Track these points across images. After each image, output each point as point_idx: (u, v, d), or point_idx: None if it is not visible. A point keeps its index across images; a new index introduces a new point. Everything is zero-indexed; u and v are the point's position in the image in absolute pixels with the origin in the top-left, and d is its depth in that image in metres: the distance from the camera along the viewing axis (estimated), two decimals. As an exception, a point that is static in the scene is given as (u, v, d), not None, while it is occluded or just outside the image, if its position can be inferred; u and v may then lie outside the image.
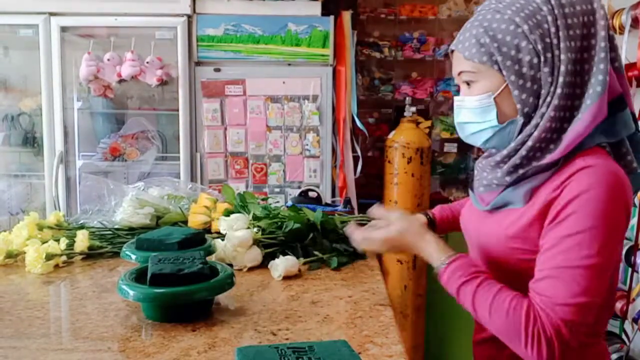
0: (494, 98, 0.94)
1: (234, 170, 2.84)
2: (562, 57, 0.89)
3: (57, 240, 1.35)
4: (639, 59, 2.28)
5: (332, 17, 2.77)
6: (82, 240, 1.37)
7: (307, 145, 2.81)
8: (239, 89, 2.80)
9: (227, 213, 1.49)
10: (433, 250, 0.98)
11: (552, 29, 0.90)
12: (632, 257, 2.29)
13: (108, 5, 2.74)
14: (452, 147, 3.38)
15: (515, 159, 0.93)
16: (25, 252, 1.30)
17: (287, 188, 2.85)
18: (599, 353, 1.01)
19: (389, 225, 1.04)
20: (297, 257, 1.29)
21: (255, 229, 1.35)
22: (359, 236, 1.08)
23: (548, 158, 0.91)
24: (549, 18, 0.90)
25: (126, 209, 1.52)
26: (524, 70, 0.91)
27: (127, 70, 2.72)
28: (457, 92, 1.06)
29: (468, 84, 0.97)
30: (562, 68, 0.89)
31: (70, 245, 1.38)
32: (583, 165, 0.87)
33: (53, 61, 2.77)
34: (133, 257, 1.17)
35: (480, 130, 0.98)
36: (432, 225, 1.31)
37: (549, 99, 0.91)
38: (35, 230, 1.43)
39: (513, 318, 0.86)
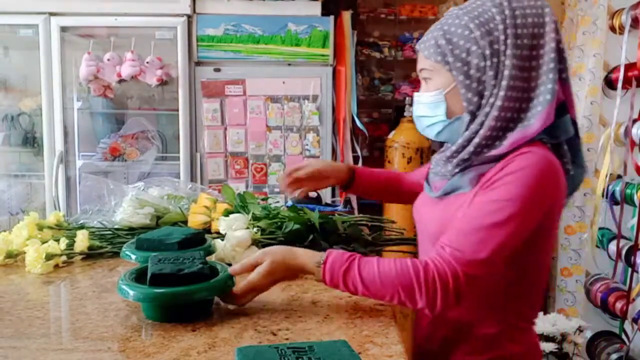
0: (444, 95, 1.03)
1: (234, 170, 2.84)
2: (507, 62, 0.98)
3: (57, 240, 1.35)
4: (639, 59, 2.28)
5: (332, 17, 2.77)
6: (82, 240, 1.37)
7: (307, 145, 2.81)
8: (239, 89, 2.80)
9: (227, 213, 1.49)
10: (306, 258, 1.01)
11: (502, 37, 0.98)
12: (632, 257, 2.29)
13: (108, 5, 2.74)
14: (452, 147, 3.38)
15: (464, 154, 1.01)
16: (25, 252, 1.30)
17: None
18: (529, 342, 1.08)
19: (259, 264, 1.03)
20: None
21: (255, 229, 1.35)
22: (244, 292, 1.02)
23: (494, 152, 0.99)
24: (500, 27, 0.98)
25: (126, 209, 1.52)
26: (472, 72, 1.00)
27: (127, 70, 2.72)
28: None
29: (426, 80, 1.07)
30: (507, 72, 0.98)
31: (70, 245, 1.37)
32: (524, 151, 0.96)
33: (53, 61, 2.78)
34: (133, 257, 1.17)
35: (432, 124, 1.07)
36: (352, 175, 1.41)
37: (492, 99, 0.99)
38: (35, 230, 1.42)
39: (402, 275, 0.93)
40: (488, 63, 0.99)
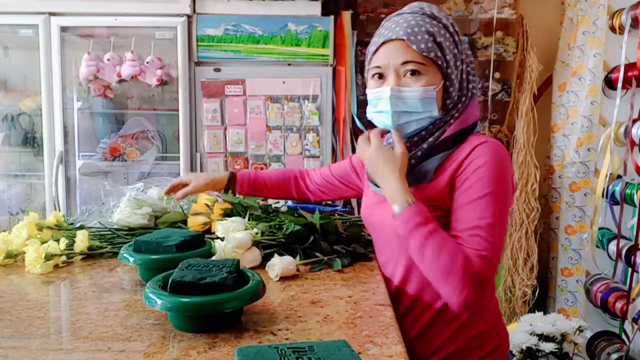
0: (436, 91, 1.08)
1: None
2: (469, 69, 1.14)
3: (57, 241, 1.35)
4: (639, 59, 2.28)
5: (332, 17, 2.77)
6: (81, 241, 1.37)
7: (307, 145, 2.81)
8: (239, 89, 2.80)
9: (226, 213, 1.49)
10: (401, 186, 1.06)
11: (460, 47, 1.11)
12: (632, 257, 2.29)
13: (108, 5, 2.74)
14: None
15: (425, 147, 1.10)
16: (25, 252, 1.30)
17: (287, 188, 2.84)
18: (494, 309, 1.19)
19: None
20: (295, 258, 1.28)
21: (255, 230, 1.35)
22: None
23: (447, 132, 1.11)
24: (456, 38, 1.11)
25: (123, 209, 1.52)
26: (456, 72, 1.10)
27: (127, 70, 2.72)
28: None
29: (414, 74, 1.08)
30: (471, 77, 1.14)
31: (70, 246, 1.38)
32: (479, 142, 1.06)
33: (53, 61, 2.78)
34: (131, 259, 1.17)
35: (419, 119, 1.10)
36: (232, 182, 1.51)
37: (463, 99, 1.12)
38: (35, 231, 1.43)
39: (454, 266, 0.97)
40: (464, 67, 1.12)
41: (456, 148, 1.09)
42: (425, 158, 1.10)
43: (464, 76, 1.12)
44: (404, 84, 1.08)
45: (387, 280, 1.20)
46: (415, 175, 1.10)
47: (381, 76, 1.12)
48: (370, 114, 1.17)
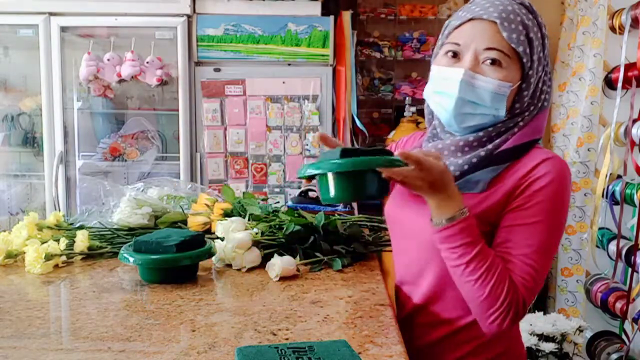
0: (510, 90, 0.97)
1: (234, 170, 2.85)
2: (546, 77, 1.03)
3: (57, 241, 1.35)
4: (639, 59, 2.28)
5: (332, 17, 2.77)
6: (81, 241, 1.37)
7: (307, 145, 2.82)
8: (239, 89, 2.80)
9: (226, 213, 1.49)
10: (454, 199, 0.92)
11: (545, 52, 1.02)
12: (632, 257, 2.29)
13: (108, 5, 2.75)
14: (452, 147, 3.36)
15: (483, 152, 0.99)
16: (25, 252, 1.30)
17: (287, 188, 2.85)
18: (515, 330, 1.12)
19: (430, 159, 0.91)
20: (295, 258, 1.28)
21: (255, 230, 1.35)
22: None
23: (506, 144, 1.00)
24: (544, 42, 1.01)
25: (123, 209, 1.52)
26: (536, 76, 1.00)
27: (127, 70, 2.72)
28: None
29: (494, 62, 0.96)
30: (545, 88, 1.04)
31: (70, 246, 1.37)
32: (545, 157, 0.97)
33: (53, 61, 2.78)
34: (131, 259, 1.17)
35: (482, 114, 0.99)
36: None
37: (532, 108, 1.02)
38: (35, 231, 1.42)
39: (499, 295, 0.92)
40: (543, 74, 1.02)
41: (517, 161, 0.99)
42: (479, 167, 0.99)
43: (540, 85, 1.01)
44: (480, 72, 0.96)
45: (404, 283, 1.12)
46: (465, 182, 0.99)
47: (456, 55, 0.99)
48: (429, 92, 1.04)
